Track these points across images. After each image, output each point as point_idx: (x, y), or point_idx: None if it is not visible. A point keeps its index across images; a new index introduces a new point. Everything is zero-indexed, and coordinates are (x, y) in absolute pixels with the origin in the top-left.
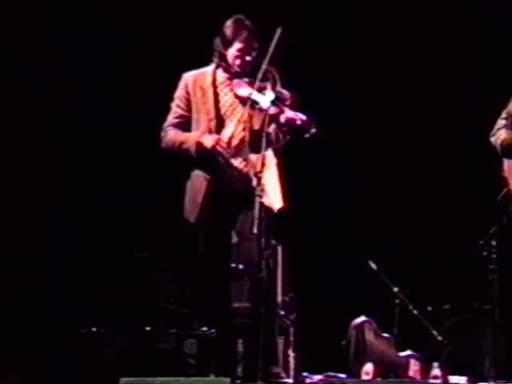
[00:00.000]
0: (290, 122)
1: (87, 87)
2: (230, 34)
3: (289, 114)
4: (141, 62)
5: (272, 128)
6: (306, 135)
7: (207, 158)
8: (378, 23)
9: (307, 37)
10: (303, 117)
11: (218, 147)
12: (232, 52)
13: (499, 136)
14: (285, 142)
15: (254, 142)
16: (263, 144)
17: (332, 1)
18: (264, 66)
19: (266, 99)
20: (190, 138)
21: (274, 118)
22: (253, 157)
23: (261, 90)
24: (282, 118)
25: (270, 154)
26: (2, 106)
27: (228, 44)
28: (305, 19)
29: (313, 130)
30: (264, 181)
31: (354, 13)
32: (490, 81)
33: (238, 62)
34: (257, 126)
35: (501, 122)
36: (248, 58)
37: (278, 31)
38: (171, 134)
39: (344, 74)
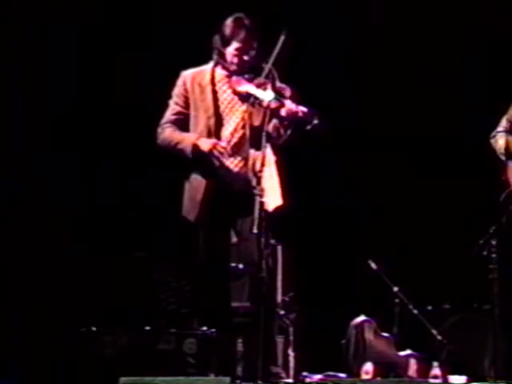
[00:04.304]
0: (292, 114)
1: (86, 86)
2: (229, 32)
3: (290, 106)
4: (140, 61)
5: (272, 125)
6: (308, 127)
7: (203, 161)
8: (378, 21)
9: (306, 35)
10: (304, 109)
11: (214, 151)
12: (230, 51)
13: (498, 140)
14: (286, 136)
15: (255, 138)
16: (263, 142)
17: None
18: (268, 67)
19: (266, 95)
20: (187, 139)
21: (275, 112)
22: (253, 153)
23: (260, 86)
24: (283, 112)
25: (268, 152)
26: (1, 102)
27: (226, 43)
28: (305, 17)
29: (315, 122)
30: (263, 179)
31: (354, 11)
32: (491, 83)
33: (235, 60)
34: (257, 123)
35: (501, 125)
36: (246, 58)
37: (283, 36)
38: (168, 132)
39: (344, 72)
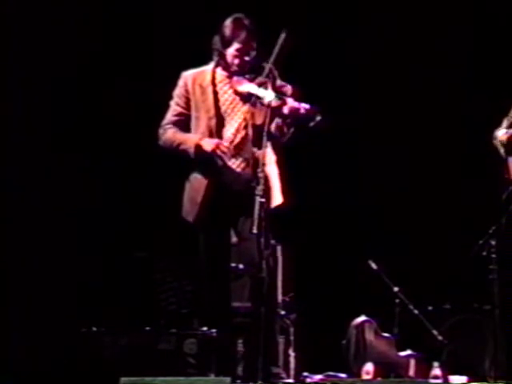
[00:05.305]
0: (294, 111)
1: (86, 86)
2: (229, 33)
3: (292, 103)
4: (140, 61)
5: (274, 125)
6: (311, 124)
7: (205, 160)
8: (378, 21)
9: (307, 32)
10: (307, 106)
11: (218, 151)
12: (231, 52)
13: (498, 135)
14: (289, 134)
15: (258, 137)
16: (264, 142)
17: None
18: (268, 66)
19: (267, 94)
20: (190, 140)
21: (277, 111)
22: (257, 152)
23: (261, 85)
24: (286, 109)
25: (269, 151)
26: (1, 102)
27: (227, 44)
28: (305, 11)
29: (318, 118)
30: (268, 176)
31: (354, 11)
32: (491, 83)
33: (236, 61)
34: (259, 122)
35: (503, 127)
36: (247, 58)
37: (283, 35)
38: (170, 133)
39: (344, 72)
